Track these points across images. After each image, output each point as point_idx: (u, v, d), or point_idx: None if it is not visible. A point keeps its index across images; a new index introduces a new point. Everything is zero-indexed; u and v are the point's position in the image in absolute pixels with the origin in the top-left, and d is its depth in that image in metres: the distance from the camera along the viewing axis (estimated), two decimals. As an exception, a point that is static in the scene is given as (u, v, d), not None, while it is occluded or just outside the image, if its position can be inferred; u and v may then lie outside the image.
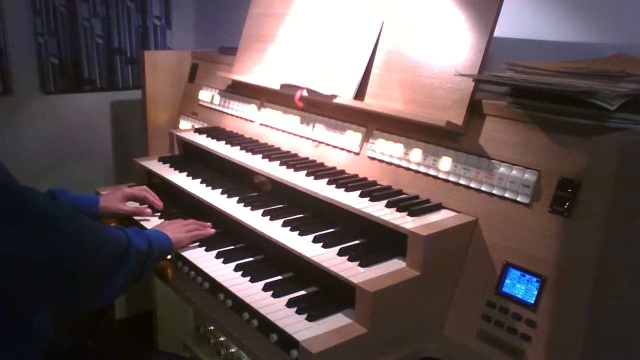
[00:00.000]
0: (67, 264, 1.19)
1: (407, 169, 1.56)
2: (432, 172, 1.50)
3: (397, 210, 1.41)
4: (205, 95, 2.39)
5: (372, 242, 1.46)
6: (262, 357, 1.26)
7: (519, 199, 1.31)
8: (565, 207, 1.23)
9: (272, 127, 2.03)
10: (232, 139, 2.02)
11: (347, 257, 1.35)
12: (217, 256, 1.57)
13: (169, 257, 1.59)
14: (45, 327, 1.33)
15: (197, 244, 1.65)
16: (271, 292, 1.38)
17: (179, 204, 1.90)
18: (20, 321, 1.23)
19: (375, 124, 1.67)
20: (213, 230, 1.68)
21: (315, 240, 1.43)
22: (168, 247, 1.56)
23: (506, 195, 1.34)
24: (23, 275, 1.12)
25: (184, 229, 1.63)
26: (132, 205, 1.84)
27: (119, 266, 1.33)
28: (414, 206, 1.41)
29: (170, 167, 2.04)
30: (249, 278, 1.45)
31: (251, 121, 2.13)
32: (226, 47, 2.47)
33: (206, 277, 1.49)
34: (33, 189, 1.17)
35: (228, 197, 1.73)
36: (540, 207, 1.28)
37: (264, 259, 1.58)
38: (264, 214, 1.60)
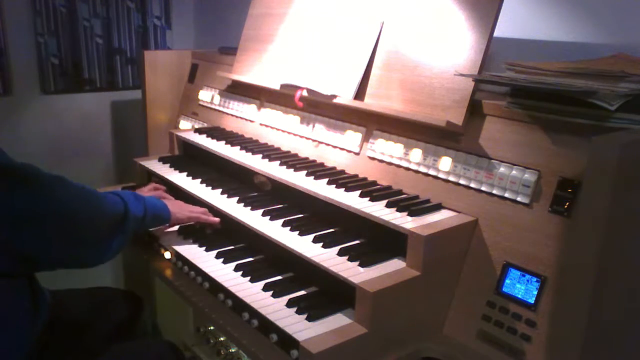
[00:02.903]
0: (58, 220, 1.27)
1: (407, 169, 1.56)
2: (432, 172, 1.50)
3: (397, 210, 1.41)
4: (205, 95, 2.39)
5: (372, 242, 1.46)
6: (262, 357, 1.26)
7: (519, 199, 1.31)
8: (565, 207, 1.23)
9: (272, 127, 2.03)
10: (232, 139, 2.02)
11: (347, 257, 1.35)
12: (217, 256, 1.57)
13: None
14: (42, 303, 1.36)
15: (197, 244, 1.65)
16: (271, 292, 1.38)
17: (179, 204, 1.90)
18: (19, 297, 1.27)
19: (375, 124, 1.67)
20: (217, 219, 1.69)
21: (315, 240, 1.43)
22: (165, 216, 1.60)
23: (506, 195, 1.34)
24: (14, 225, 1.20)
25: (187, 209, 1.68)
26: None
27: (117, 232, 1.40)
28: (414, 206, 1.41)
29: (170, 167, 2.04)
30: (249, 278, 1.45)
31: (251, 121, 2.13)
32: (226, 47, 2.47)
33: (206, 277, 1.49)
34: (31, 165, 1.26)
35: (228, 197, 1.73)
36: (540, 207, 1.28)
37: (264, 259, 1.58)
38: (264, 214, 1.60)
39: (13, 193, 1.20)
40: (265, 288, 1.40)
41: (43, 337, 1.43)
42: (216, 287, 1.45)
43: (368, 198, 1.48)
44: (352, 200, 1.48)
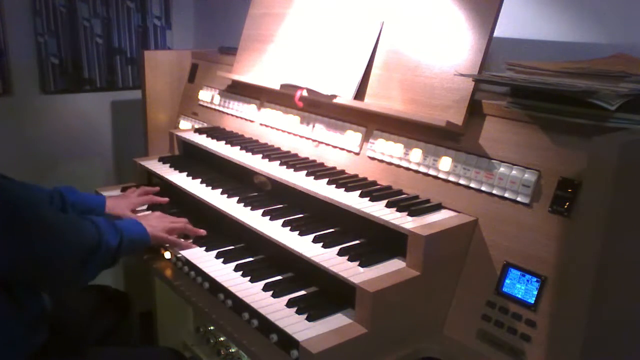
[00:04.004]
0: (42, 239, 1.27)
1: (407, 169, 1.56)
2: (432, 172, 1.50)
3: (397, 210, 1.41)
4: (205, 95, 2.39)
5: (372, 242, 1.46)
6: (262, 357, 1.26)
7: (519, 199, 1.31)
8: (565, 207, 1.23)
9: (272, 127, 2.03)
10: (232, 139, 2.02)
11: (347, 257, 1.35)
12: (217, 256, 1.57)
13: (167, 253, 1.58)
14: (35, 304, 1.36)
15: (197, 244, 1.65)
16: (271, 292, 1.38)
17: (179, 204, 1.90)
18: (10, 299, 1.27)
19: (375, 124, 1.67)
20: (193, 246, 1.64)
21: (315, 240, 1.43)
22: (144, 241, 1.57)
23: (506, 195, 1.34)
24: None
25: (168, 227, 1.63)
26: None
27: (88, 261, 1.37)
28: (414, 206, 1.41)
29: (170, 167, 2.04)
30: (249, 278, 1.45)
31: (251, 121, 2.13)
32: (226, 47, 2.47)
33: (206, 277, 1.49)
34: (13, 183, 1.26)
35: (228, 197, 1.73)
36: (540, 207, 1.28)
37: (264, 259, 1.58)
38: (264, 214, 1.60)
39: None
40: (265, 288, 1.40)
41: (40, 337, 1.43)
42: (216, 287, 1.45)
43: (368, 198, 1.48)
44: (352, 200, 1.48)
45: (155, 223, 1.62)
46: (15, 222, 1.22)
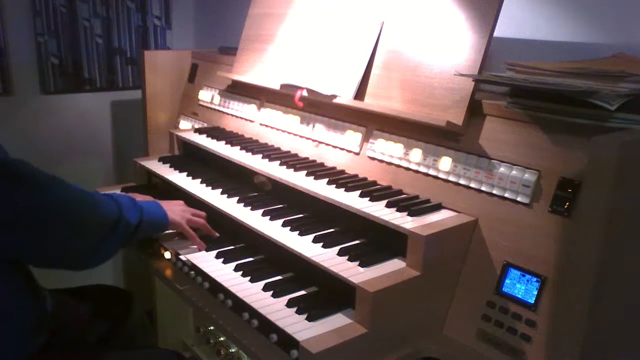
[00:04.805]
0: (49, 221, 1.25)
1: (407, 169, 1.56)
2: (432, 172, 1.50)
3: (397, 210, 1.41)
4: (205, 95, 2.39)
5: (372, 242, 1.46)
6: (262, 357, 1.26)
7: (519, 199, 1.31)
8: (565, 207, 1.23)
9: (272, 127, 2.03)
10: (232, 139, 2.02)
11: (347, 257, 1.35)
12: (217, 256, 1.57)
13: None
14: (38, 302, 1.36)
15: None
16: (271, 292, 1.38)
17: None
18: (13, 297, 1.26)
19: (375, 124, 1.67)
20: (205, 245, 1.63)
21: (315, 240, 1.43)
22: (162, 224, 1.57)
23: (506, 195, 1.34)
24: (13, 223, 1.20)
25: (187, 217, 1.62)
26: None
27: (107, 237, 1.36)
28: (414, 206, 1.41)
29: (170, 167, 2.04)
30: (249, 278, 1.45)
31: (251, 121, 2.13)
32: (226, 47, 2.47)
33: (206, 277, 1.49)
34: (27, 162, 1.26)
35: (228, 197, 1.73)
36: (540, 207, 1.28)
37: (264, 259, 1.58)
38: (264, 214, 1.60)
39: (13, 190, 1.19)
40: (265, 288, 1.40)
41: (41, 337, 1.43)
42: (216, 287, 1.45)
43: (368, 198, 1.48)
44: (352, 200, 1.48)
45: (177, 210, 1.62)
46: (40, 201, 1.22)
